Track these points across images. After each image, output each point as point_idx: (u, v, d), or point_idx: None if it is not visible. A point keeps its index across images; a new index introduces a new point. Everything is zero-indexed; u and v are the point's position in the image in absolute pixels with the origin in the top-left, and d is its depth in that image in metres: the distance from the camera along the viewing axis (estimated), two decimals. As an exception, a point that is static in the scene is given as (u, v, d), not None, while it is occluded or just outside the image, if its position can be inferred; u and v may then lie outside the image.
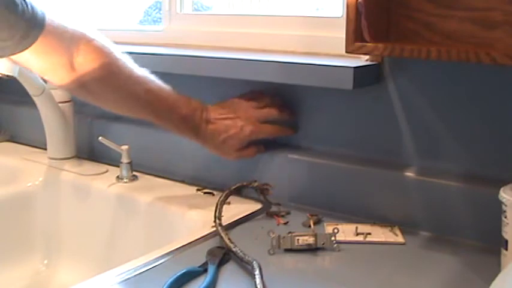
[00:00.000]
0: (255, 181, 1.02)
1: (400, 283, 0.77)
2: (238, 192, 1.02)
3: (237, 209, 1.00)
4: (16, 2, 0.80)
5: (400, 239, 0.89)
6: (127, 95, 0.97)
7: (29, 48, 0.85)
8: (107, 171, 1.23)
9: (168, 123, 1.00)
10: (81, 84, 0.93)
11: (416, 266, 0.81)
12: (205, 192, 1.11)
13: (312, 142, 1.05)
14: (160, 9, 1.35)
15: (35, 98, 1.23)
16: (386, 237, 0.90)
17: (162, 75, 0.99)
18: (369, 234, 0.90)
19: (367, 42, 0.87)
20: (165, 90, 0.99)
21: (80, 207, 1.20)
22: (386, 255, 0.85)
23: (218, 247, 0.84)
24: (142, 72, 0.97)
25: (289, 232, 0.86)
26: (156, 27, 1.38)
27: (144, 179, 1.19)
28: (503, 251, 0.77)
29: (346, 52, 0.89)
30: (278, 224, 0.95)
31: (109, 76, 0.94)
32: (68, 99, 1.26)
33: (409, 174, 0.93)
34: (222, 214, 0.92)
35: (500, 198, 0.76)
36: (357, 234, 0.90)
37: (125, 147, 1.17)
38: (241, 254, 0.80)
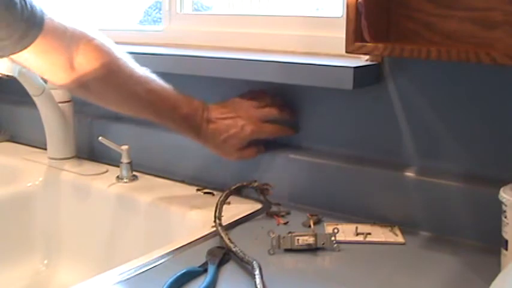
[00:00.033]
0: (255, 181, 1.02)
1: (400, 283, 0.77)
2: (238, 192, 1.02)
3: (237, 209, 1.00)
4: (15, 1, 0.80)
5: (400, 239, 0.89)
6: (128, 94, 0.97)
7: (28, 48, 0.85)
8: (107, 171, 1.23)
9: (169, 123, 1.00)
10: (82, 84, 0.93)
11: (416, 266, 0.81)
12: (205, 192, 1.11)
13: (312, 142, 1.05)
14: (160, 9, 1.35)
15: (35, 98, 1.23)
16: (386, 237, 0.90)
17: (162, 75, 0.99)
18: (369, 234, 0.90)
19: (367, 42, 0.87)
20: (166, 89, 0.99)
21: (80, 207, 1.20)
22: (386, 255, 0.85)
23: (218, 247, 0.84)
24: (143, 71, 0.97)
25: (289, 232, 0.86)
26: (156, 27, 1.38)
27: (144, 179, 1.19)
28: (503, 251, 0.77)
29: (346, 52, 0.89)
30: (278, 224, 0.95)
31: (109, 76, 0.94)
32: (68, 99, 1.26)
33: (409, 174, 0.93)
34: (222, 214, 0.92)
35: (500, 198, 0.76)
36: (357, 234, 0.90)
37: (125, 147, 1.17)
38: (241, 254, 0.80)
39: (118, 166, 1.18)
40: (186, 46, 1.25)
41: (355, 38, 0.87)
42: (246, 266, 0.79)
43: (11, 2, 0.79)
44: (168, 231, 1.04)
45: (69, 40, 0.90)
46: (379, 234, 0.91)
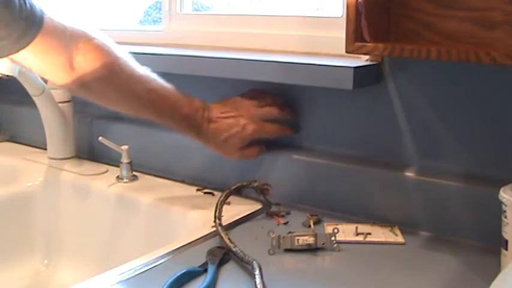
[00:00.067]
0: (255, 181, 1.02)
1: (400, 283, 0.77)
2: (238, 192, 1.02)
3: (237, 209, 1.00)
4: (14, 0, 0.80)
5: (400, 239, 0.89)
6: (128, 94, 0.97)
7: (27, 47, 0.84)
8: (107, 171, 1.23)
9: (169, 122, 1.00)
10: (82, 84, 0.93)
11: (416, 266, 0.81)
12: (205, 192, 1.11)
13: (312, 142, 1.05)
14: (160, 9, 1.35)
15: (35, 98, 1.22)
16: (386, 237, 0.90)
17: (162, 75, 0.99)
18: (369, 234, 0.90)
19: (367, 42, 0.87)
20: (167, 89, 0.98)
21: (80, 207, 1.20)
22: (386, 255, 0.85)
23: (218, 247, 0.84)
24: (143, 71, 0.97)
25: (289, 232, 0.86)
26: (156, 27, 1.38)
27: (144, 179, 1.19)
28: (503, 251, 0.77)
29: (346, 52, 0.89)
30: (278, 224, 0.95)
31: (110, 75, 0.94)
32: (68, 99, 1.26)
33: (409, 174, 0.93)
34: (222, 214, 0.92)
35: (500, 198, 0.76)
36: (357, 234, 0.90)
37: (125, 147, 1.17)
38: (241, 254, 0.80)
39: (118, 166, 1.18)
40: (186, 46, 1.25)
41: (355, 38, 0.87)
42: (246, 266, 0.79)
43: (10, 1, 0.79)
44: (168, 231, 1.04)
45: (69, 39, 0.90)
46: (379, 234, 0.91)
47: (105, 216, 1.15)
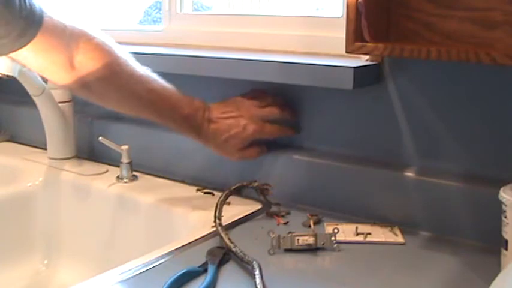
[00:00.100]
0: (255, 181, 1.02)
1: (400, 283, 0.77)
2: (238, 192, 1.02)
3: (237, 209, 1.00)
4: None
5: (400, 239, 0.89)
6: (129, 94, 0.96)
7: (27, 46, 0.84)
8: (107, 171, 1.23)
9: (170, 123, 1.00)
10: (82, 83, 0.92)
11: (416, 266, 0.81)
12: (205, 192, 1.11)
13: (312, 142, 1.05)
14: (160, 9, 1.35)
15: (35, 98, 1.22)
16: (386, 237, 0.90)
17: (162, 75, 0.99)
18: (369, 234, 0.90)
19: (367, 42, 0.87)
20: (167, 89, 0.98)
21: (80, 207, 1.20)
22: (386, 255, 0.85)
23: (218, 247, 0.84)
24: (144, 70, 0.97)
25: (289, 232, 0.86)
26: (156, 27, 1.38)
27: (144, 179, 1.19)
28: (503, 251, 0.77)
29: (346, 52, 0.89)
30: (278, 224, 0.95)
31: (110, 74, 0.93)
32: (68, 99, 1.26)
33: (409, 174, 0.93)
34: (222, 214, 0.92)
35: (500, 198, 0.76)
36: (357, 234, 0.90)
37: (125, 147, 1.17)
38: (241, 254, 0.80)
39: (118, 166, 1.18)
40: (186, 46, 1.25)
41: (355, 38, 0.87)
42: (246, 266, 0.79)
43: (10, 0, 0.79)
44: (168, 231, 1.04)
45: (69, 38, 0.90)
46: (379, 234, 0.91)
47: (105, 216, 1.15)
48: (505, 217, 0.76)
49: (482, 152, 0.90)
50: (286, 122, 1.06)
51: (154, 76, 0.98)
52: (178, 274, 0.75)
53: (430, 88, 0.92)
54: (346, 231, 0.91)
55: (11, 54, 0.86)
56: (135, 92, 0.96)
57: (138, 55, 0.99)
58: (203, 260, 0.80)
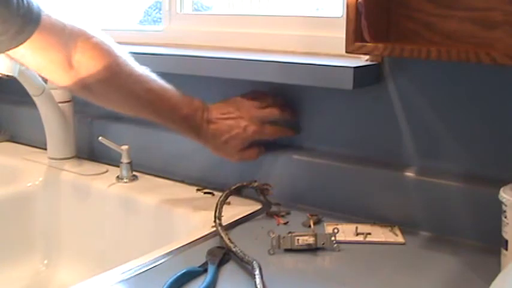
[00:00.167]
0: (255, 181, 1.02)
1: (400, 283, 0.77)
2: (238, 192, 1.01)
3: (237, 209, 1.00)
4: None
5: (400, 239, 0.89)
6: (127, 93, 0.96)
7: (24, 44, 0.84)
8: (107, 171, 1.23)
9: (169, 123, 1.00)
10: (80, 82, 0.92)
11: (416, 266, 0.81)
12: (205, 192, 1.11)
13: (312, 142, 1.05)
14: (160, 9, 1.35)
15: (35, 98, 1.23)
16: (386, 237, 0.90)
17: (162, 75, 0.99)
18: (369, 234, 0.90)
19: (367, 42, 0.87)
20: (166, 89, 0.98)
21: (80, 207, 1.20)
22: (386, 255, 0.85)
23: (218, 247, 0.84)
24: (143, 70, 0.97)
25: (289, 232, 0.86)
26: (156, 27, 1.38)
27: (144, 179, 1.19)
28: (503, 251, 0.77)
29: (346, 52, 0.89)
30: (278, 224, 0.95)
31: (108, 74, 0.93)
32: (68, 99, 1.26)
33: (409, 174, 0.93)
34: (222, 214, 0.92)
35: (500, 198, 0.76)
36: (357, 234, 0.90)
37: (124, 147, 1.17)
38: (241, 254, 0.80)
39: (118, 166, 1.18)
40: (186, 46, 1.25)
41: (355, 38, 0.87)
42: (246, 266, 0.79)
43: None
44: (168, 231, 1.04)
45: (68, 37, 0.89)
46: (379, 234, 0.91)
47: (105, 216, 1.15)
48: (505, 217, 0.76)
49: (482, 152, 0.90)
50: (286, 123, 1.06)
51: (154, 76, 0.97)
52: (178, 274, 0.75)
53: (430, 88, 0.92)
54: (346, 231, 0.91)
55: (8, 52, 0.85)
56: (134, 92, 0.96)
57: (138, 55, 0.99)
58: (203, 260, 0.80)
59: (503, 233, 0.76)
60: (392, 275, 0.80)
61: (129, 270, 0.79)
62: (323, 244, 0.85)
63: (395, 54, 0.84)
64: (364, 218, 0.95)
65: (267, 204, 1.02)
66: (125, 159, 1.17)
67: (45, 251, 1.23)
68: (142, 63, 0.98)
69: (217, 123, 1.01)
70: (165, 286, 0.72)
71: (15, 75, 1.13)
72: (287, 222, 0.96)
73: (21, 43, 0.84)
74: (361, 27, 0.87)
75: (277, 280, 0.76)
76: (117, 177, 1.18)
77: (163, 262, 0.82)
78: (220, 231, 0.87)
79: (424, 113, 0.93)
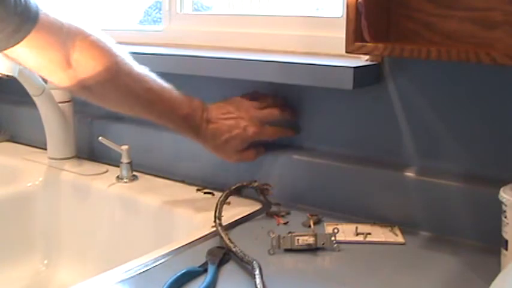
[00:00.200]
0: (255, 181, 1.02)
1: (400, 283, 0.77)
2: (238, 192, 1.01)
3: (237, 209, 1.00)
4: None
5: (400, 239, 0.89)
6: (126, 92, 0.95)
7: (22, 43, 0.83)
8: (107, 171, 1.23)
9: (168, 123, 1.00)
10: (79, 81, 0.91)
11: (417, 266, 0.81)
12: (205, 192, 1.11)
13: (312, 142, 1.05)
14: (160, 9, 1.35)
15: (35, 98, 1.23)
16: (386, 237, 0.90)
17: (162, 75, 0.99)
18: (369, 234, 0.90)
19: (367, 42, 0.87)
20: (165, 89, 0.98)
21: (80, 207, 1.20)
22: (386, 255, 0.85)
23: (218, 247, 0.84)
24: (142, 70, 0.96)
25: (289, 232, 0.86)
26: (156, 27, 1.38)
27: (144, 179, 1.19)
28: (503, 251, 0.77)
29: (346, 52, 0.89)
30: (278, 224, 0.95)
31: (107, 73, 0.92)
32: (68, 99, 1.26)
33: (409, 174, 0.93)
34: (222, 214, 0.92)
35: (500, 198, 0.76)
36: (357, 234, 0.90)
37: (125, 147, 1.17)
38: (241, 254, 0.80)
39: (118, 166, 1.18)
40: (186, 46, 1.25)
41: (355, 38, 0.87)
42: (246, 266, 0.79)
43: None
44: (168, 231, 1.04)
45: (66, 36, 0.89)
46: (379, 234, 0.91)
47: (105, 216, 1.15)
48: (505, 217, 0.76)
49: (482, 152, 0.90)
50: (286, 123, 1.06)
51: (153, 76, 0.97)
52: (178, 274, 0.75)
53: (430, 88, 0.92)
54: (346, 231, 0.91)
55: (6, 51, 0.85)
56: (133, 91, 0.95)
57: (138, 55, 0.99)
58: (203, 260, 0.80)
59: (503, 233, 0.76)
60: (392, 275, 0.80)
61: (129, 270, 0.79)
62: (323, 244, 0.85)
63: (395, 54, 0.85)
64: (364, 218, 0.95)
65: (267, 204, 1.02)
66: (125, 159, 1.17)
67: (45, 251, 1.23)
68: (142, 63, 0.97)
69: (217, 123, 1.01)
70: (165, 286, 0.72)
71: (15, 75, 1.14)
72: (287, 222, 0.96)
73: (19, 42, 0.83)
74: (361, 27, 0.87)
75: (277, 280, 0.76)
76: (117, 177, 1.18)
77: (163, 262, 0.82)
78: (220, 231, 0.87)
79: (424, 113, 0.93)
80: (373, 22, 0.87)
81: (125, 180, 1.17)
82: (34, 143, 1.41)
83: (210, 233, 0.90)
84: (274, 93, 1.06)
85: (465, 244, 0.87)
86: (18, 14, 0.81)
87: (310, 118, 1.05)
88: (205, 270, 0.78)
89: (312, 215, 0.97)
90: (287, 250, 0.85)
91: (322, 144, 1.04)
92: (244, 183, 1.01)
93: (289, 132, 1.06)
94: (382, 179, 0.95)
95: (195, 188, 1.13)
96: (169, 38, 1.29)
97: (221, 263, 0.80)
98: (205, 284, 0.74)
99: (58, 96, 1.24)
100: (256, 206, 1.02)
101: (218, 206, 0.93)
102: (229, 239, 0.84)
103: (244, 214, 0.99)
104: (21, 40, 0.83)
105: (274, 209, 1.01)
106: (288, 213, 0.99)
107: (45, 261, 1.23)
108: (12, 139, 1.49)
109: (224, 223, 0.91)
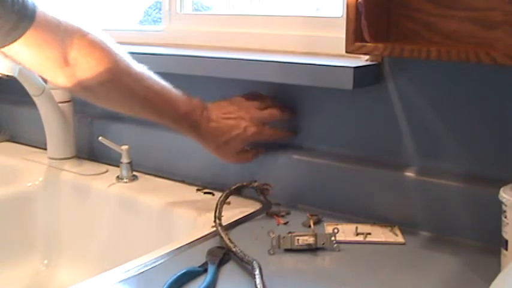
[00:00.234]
0: (255, 181, 1.02)
1: (400, 283, 0.77)
2: (238, 192, 1.01)
3: (237, 209, 1.00)
4: None
5: (400, 239, 0.89)
6: (125, 91, 0.95)
7: (19, 40, 0.83)
8: (107, 171, 1.23)
9: (168, 121, 0.99)
10: (76, 79, 0.90)
11: (417, 266, 0.81)
12: (205, 192, 1.11)
13: (312, 142, 1.05)
14: (160, 9, 1.35)
15: (35, 98, 1.22)
16: (386, 237, 0.90)
17: (162, 75, 0.99)
18: (369, 234, 0.90)
19: (367, 42, 0.87)
20: (164, 87, 0.97)
21: (80, 207, 1.20)
22: (386, 255, 0.85)
23: (218, 247, 0.84)
24: (141, 68, 0.96)
25: (289, 232, 0.86)
26: (156, 27, 1.38)
27: (144, 179, 1.19)
28: (503, 251, 0.77)
29: (346, 52, 0.89)
30: (278, 224, 0.95)
31: (105, 71, 0.91)
32: (68, 99, 1.26)
33: (409, 174, 0.93)
34: (222, 214, 0.92)
35: (500, 198, 0.76)
36: (357, 234, 0.90)
37: (125, 147, 1.17)
38: (241, 254, 0.80)
39: (118, 166, 1.18)
40: (186, 46, 1.25)
41: (355, 38, 0.87)
42: (246, 266, 0.79)
43: None
44: (168, 231, 1.04)
45: (63, 34, 0.88)
46: (379, 234, 0.91)
47: (105, 216, 1.15)
48: (505, 217, 0.76)
49: (482, 152, 0.90)
50: (286, 124, 1.06)
51: (151, 74, 0.96)
52: (178, 274, 0.75)
53: (430, 88, 0.92)
54: (346, 231, 0.91)
55: (3, 50, 0.85)
56: (132, 90, 0.95)
57: (138, 55, 0.99)
58: (203, 260, 0.80)
59: (503, 233, 0.76)
60: (392, 275, 0.80)
61: (129, 270, 0.79)
62: (323, 244, 0.85)
63: (395, 54, 0.85)
64: (364, 218, 0.95)
65: (267, 204, 1.02)
66: (124, 159, 1.17)
67: (45, 251, 1.23)
68: (142, 63, 0.97)
69: (218, 122, 1.01)
70: (165, 286, 0.72)
71: (15, 75, 1.14)
72: (287, 222, 0.96)
73: (16, 39, 0.83)
74: (361, 27, 0.87)
75: (277, 280, 0.76)
76: (117, 177, 1.18)
77: (163, 262, 0.82)
78: (220, 231, 0.87)
79: (424, 113, 0.93)
80: (373, 22, 0.87)
81: (125, 180, 1.17)
82: (34, 143, 1.41)
83: (210, 233, 0.90)
84: (274, 93, 1.06)
85: (465, 244, 0.87)
86: (16, 12, 0.81)
87: (310, 118, 1.05)
88: (205, 270, 0.78)
89: (312, 215, 0.97)
90: (287, 250, 0.85)
91: (322, 144, 1.04)
92: (244, 183, 1.01)
93: (288, 134, 1.06)
94: (382, 179, 0.95)
95: (195, 188, 1.13)
96: (169, 38, 1.29)
97: (221, 263, 0.80)
98: (205, 284, 0.74)
99: (58, 96, 1.24)
100: (256, 206, 1.02)
101: (218, 206, 0.93)
102: (229, 239, 0.84)
103: (244, 214, 0.99)
104: (19, 38, 0.83)
105: (274, 209, 1.01)
106: (288, 213, 0.99)
107: (45, 261, 1.23)
108: (12, 139, 1.49)
109: (224, 223, 0.91)
